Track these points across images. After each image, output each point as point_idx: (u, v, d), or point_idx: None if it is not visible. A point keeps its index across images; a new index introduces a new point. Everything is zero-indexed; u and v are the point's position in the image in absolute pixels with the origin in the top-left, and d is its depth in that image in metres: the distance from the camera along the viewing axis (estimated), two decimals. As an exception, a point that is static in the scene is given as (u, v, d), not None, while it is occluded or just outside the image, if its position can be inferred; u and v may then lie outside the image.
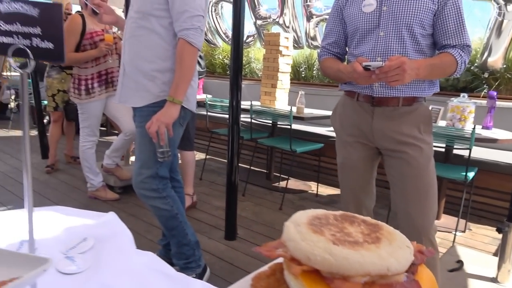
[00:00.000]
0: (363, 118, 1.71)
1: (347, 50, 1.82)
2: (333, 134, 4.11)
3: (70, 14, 4.10)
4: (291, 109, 3.34)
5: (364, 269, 0.31)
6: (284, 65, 4.00)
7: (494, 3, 3.65)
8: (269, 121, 4.03)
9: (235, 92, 2.64)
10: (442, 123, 3.18)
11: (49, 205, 1.15)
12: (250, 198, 3.71)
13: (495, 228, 3.13)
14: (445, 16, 1.56)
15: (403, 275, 0.33)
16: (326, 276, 0.31)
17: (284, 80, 4.02)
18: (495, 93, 3.10)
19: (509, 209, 1.99)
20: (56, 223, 1.01)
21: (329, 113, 3.82)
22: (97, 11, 2.12)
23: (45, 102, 4.37)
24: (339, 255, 0.31)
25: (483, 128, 3.11)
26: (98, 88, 3.27)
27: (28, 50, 0.65)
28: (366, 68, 1.46)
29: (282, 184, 4.11)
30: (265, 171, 4.40)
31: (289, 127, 3.44)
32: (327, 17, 4.79)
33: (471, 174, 2.80)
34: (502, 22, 3.64)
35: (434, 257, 1.70)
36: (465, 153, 2.91)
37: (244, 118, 3.44)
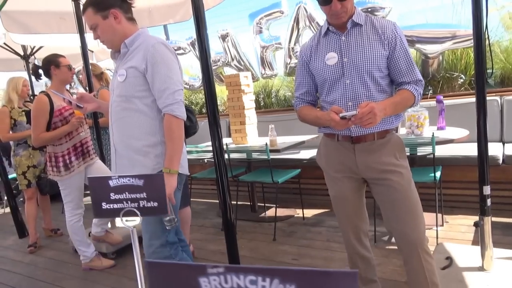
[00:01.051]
0: (346, 155, 1.94)
1: (319, 97, 2.04)
2: (307, 156, 4.36)
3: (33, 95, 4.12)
4: (266, 144, 3.54)
5: None
6: (248, 102, 4.21)
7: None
8: (244, 157, 4.21)
9: (216, 133, 2.76)
10: (402, 130, 3.50)
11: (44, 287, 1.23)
12: (242, 234, 3.83)
13: (468, 216, 3.49)
14: (396, 59, 1.83)
15: None
16: None
17: (251, 116, 4.23)
18: (441, 97, 3.48)
19: (480, 205, 2.28)
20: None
21: (301, 138, 4.07)
22: (81, 106, 2.23)
23: (13, 176, 4.29)
24: None
25: (438, 129, 3.47)
26: (76, 161, 3.30)
27: (136, 210, 0.78)
28: (342, 118, 1.70)
29: (268, 213, 4.27)
30: (249, 203, 4.55)
31: (265, 158, 3.63)
32: (275, 45, 5.15)
33: (438, 174, 3.12)
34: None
35: (431, 263, 1.93)
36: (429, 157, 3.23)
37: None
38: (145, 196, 0.77)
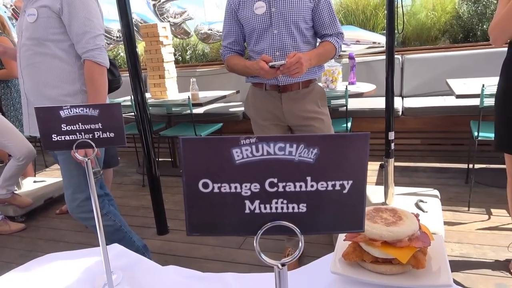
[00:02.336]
0: (273, 104, 2.03)
1: (247, 46, 2.08)
2: (229, 111, 4.42)
3: None
4: (189, 98, 3.50)
5: (406, 234, 0.61)
6: (167, 55, 4.07)
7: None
8: (164, 112, 4.11)
9: (138, 87, 2.67)
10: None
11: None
12: (165, 189, 3.79)
13: (373, 162, 3.92)
14: (320, 11, 1.93)
15: (418, 231, 0.64)
16: (391, 242, 0.61)
17: (170, 70, 4.10)
18: (353, 54, 3.75)
19: (385, 149, 2.59)
20: (67, 270, 1.09)
21: (222, 93, 4.09)
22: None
23: None
24: (393, 231, 0.60)
25: (349, 84, 3.76)
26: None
27: (90, 141, 0.74)
28: (271, 67, 1.78)
29: (191, 168, 4.30)
30: (170, 159, 4.51)
31: (187, 113, 3.61)
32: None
33: (349, 124, 3.42)
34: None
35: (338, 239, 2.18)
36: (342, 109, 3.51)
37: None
38: (101, 127, 0.75)
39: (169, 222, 3.10)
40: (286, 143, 0.36)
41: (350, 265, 0.65)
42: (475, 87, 2.91)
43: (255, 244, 0.38)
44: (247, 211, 0.40)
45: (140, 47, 5.16)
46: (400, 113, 3.88)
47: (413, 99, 4.10)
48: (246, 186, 0.39)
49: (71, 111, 0.72)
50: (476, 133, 2.85)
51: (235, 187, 0.39)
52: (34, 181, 3.87)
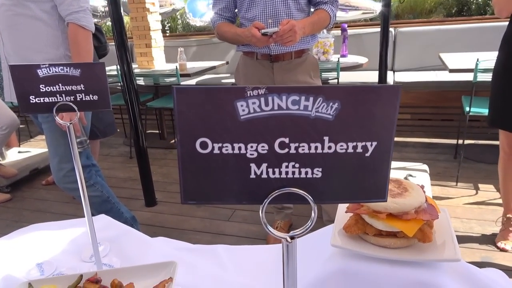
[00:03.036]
0: (264, 73, 1.96)
1: (238, 14, 1.99)
2: (217, 82, 4.32)
3: None
4: (176, 68, 3.40)
5: (412, 206, 0.57)
6: (154, 23, 3.91)
7: None
8: (151, 82, 4.00)
9: (124, 56, 2.57)
10: (310, 57, 3.64)
11: None
12: (153, 161, 3.75)
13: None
14: None
15: (425, 203, 0.60)
16: (396, 214, 0.57)
17: (157, 38, 3.96)
18: (346, 25, 3.65)
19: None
20: (53, 240, 1.05)
21: (211, 63, 3.98)
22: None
23: None
24: (400, 202, 0.57)
25: (341, 56, 3.68)
26: None
27: (72, 104, 0.68)
28: (264, 34, 1.70)
29: (179, 140, 4.24)
30: (157, 131, 4.43)
31: (175, 84, 3.50)
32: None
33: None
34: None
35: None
36: (332, 80, 3.45)
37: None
38: (83, 89, 0.68)
39: (157, 194, 3.06)
40: (301, 95, 0.30)
41: (351, 238, 0.62)
42: (469, 62, 2.86)
43: (261, 214, 0.33)
44: (252, 176, 0.35)
45: (126, 18, 4.96)
46: (392, 87, 3.84)
47: (404, 73, 4.06)
48: (252, 147, 0.34)
49: (50, 70, 0.65)
50: (467, 108, 2.83)
51: (239, 148, 0.34)
52: (19, 152, 3.77)
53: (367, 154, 0.34)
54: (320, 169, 0.34)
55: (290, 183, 0.35)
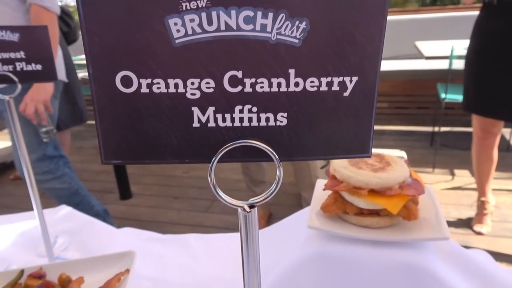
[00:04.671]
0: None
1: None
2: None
3: None
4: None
5: (396, 181, 0.52)
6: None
7: None
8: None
9: None
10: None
11: None
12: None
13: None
14: None
15: (409, 178, 0.55)
16: (378, 190, 0.51)
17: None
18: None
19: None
20: (5, 234, 0.95)
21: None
22: None
23: None
24: (382, 177, 0.51)
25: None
26: None
27: (11, 74, 0.59)
28: None
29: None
30: (132, 123, 4.29)
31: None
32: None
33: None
34: None
35: (315, 161, 2.12)
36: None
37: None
38: (24, 57, 0.60)
39: (132, 186, 2.96)
40: (257, 9, 0.22)
41: (330, 219, 0.56)
42: (444, 49, 2.87)
43: (209, 177, 0.26)
44: (195, 124, 0.27)
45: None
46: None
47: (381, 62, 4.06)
48: (193, 84, 0.25)
49: (-19, 35, 0.57)
50: (443, 95, 2.84)
51: (176, 85, 0.25)
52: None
53: (346, 94, 0.26)
54: (285, 114, 0.27)
55: (246, 133, 0.27)
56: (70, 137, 3.16)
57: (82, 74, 4.39)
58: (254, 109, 0.26)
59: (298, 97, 0.26)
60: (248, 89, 0.26)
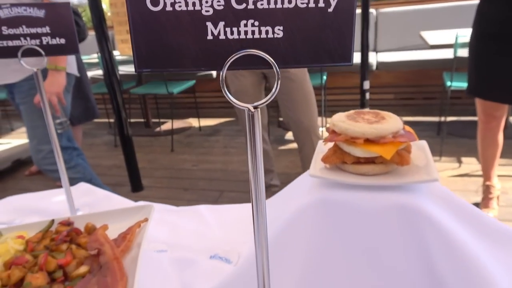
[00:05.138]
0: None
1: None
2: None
3: None
4: (158, 52, 3.34)
5: (390, 130, 0.56)
6: (134, 8, 3.84)
7: None
8: (133, 70, 3.95)
9: (105, 44, 2.53)
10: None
11: None
12: (139, 149, 3.70)
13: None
14: None
15: (402, 130, 0.60)
16: (373, 139, 0.56)
17: (138, 24, 3.89)
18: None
19: (360, 99, 2.56)
20: (29, 210, 1.02)
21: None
22: None
23: None
24: (377, 128, 0.56)
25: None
26: None
27: (38, 48, 0.65)
28: None
29: (163, 127, 4.19)
30: (143, 120, 4.37)
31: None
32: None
33: (324, 78, 3.37)
34: None
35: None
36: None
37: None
38: (49, 31, 0.66)
39: (143, 180, 3.03)
40: None
41: (330, 170, 0.61)
42: (449, 38, 2.89)
43: (221, 78, 0.32)
44: (209, 37, 0.33)
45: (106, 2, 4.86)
46: (374, 67, 3.85)
47: (387, 53, 4.08)
48: (207, 2, 0.31)
49: (11, 11, 0.62)
50: (449, 83, 2.86)
51: (193, 4, 0.31)
52: (0, 144, 3.69)
53: (330, 10, 0.32)
54: (281, 28, 0.33)
55: (250, 44, 0.33)
56: (82, 134, 3.25)
57: (91, 73, 4.49)
58: (256, 23, 0.32)
59: (291, 12, 0.32)
60: (251, 6, 0.32)
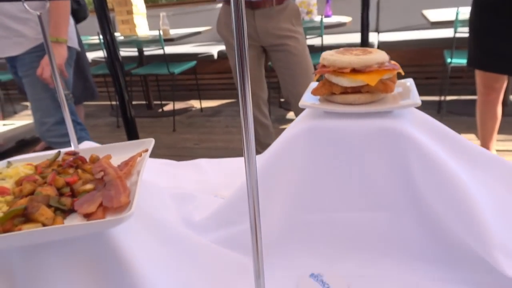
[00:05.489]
0: (246, 21, 1.96)
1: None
2: (203, 51, 4.29)
3: None
4: (160, 32, 3.36)
5: (375, 61, 0.60)
6: (135, -11, 3.84)
7: None
8: (134, 51, 3.96)
9: (106, 25, 2.54)
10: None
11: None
12: (141, 129, 3.72)
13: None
14: None
15: (387, 62, 0.63)
16: (360, 69, 0.59)
17: (138, 5, 3.89)
18: (329, -15, 3.63)
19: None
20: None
21: (194, 29, 3.95)
22: None
23: None
24: (364, 58, 0.59)
25: (325, 17, 3.67)
26: None
27: None
28: None
29: (165, 109, 4.23)
30: (144, 102, 4.41)
31: (157, 52, 3.47)
32: None
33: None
34: None
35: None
36: (316, 41, 3.45)
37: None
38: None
39: (146, 158, 3.07)
40: None
41: (319, 101, 0.65)
42: (450, 15, 2.89)
43: None
44: None
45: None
46: (376, 47, 3.85)
47: (389, 33, 4.07)
48: None
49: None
50: (449, 60, 2.87)
51: None
52: (4, 124, 3.73)
53: None
54: None
55: None
56: (84, 115, 3.28)
57: (93, 55, 4.51)
58: None
59: None
60: None
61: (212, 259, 0.60)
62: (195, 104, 4.28)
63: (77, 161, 0.60)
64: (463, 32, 2.69)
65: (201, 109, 4.13)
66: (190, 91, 4.56)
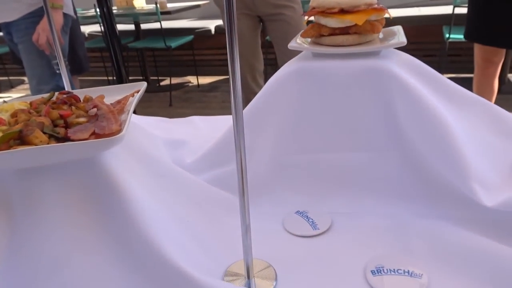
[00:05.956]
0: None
1: None
2: (200, 25, 4.25)
3: None
4: (156, 4, 3.33)
5: (364, 2, 0.61)
6: (131, -40, 3.78)
7: None
8: (131, 24, 3.93)
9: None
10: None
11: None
12: (137, 104, 3.76)
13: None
14: None
15: (376, 4, 0.64)
16: (348, 10, 0.60)
17: (135, -23, 3.85)
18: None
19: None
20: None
21: (192, 3, 3.90)
22: None
23: None
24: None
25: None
26: None
27: None
28: None
29: (162, 84, 4.22)
30: (141, 77, 4.39)
31: (154, 26, 3.44)
32: None
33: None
34: None
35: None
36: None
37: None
38: None
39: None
40: None
41: (308, 44, 0.66)
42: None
43: None
44: None
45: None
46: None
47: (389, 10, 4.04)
48: None
49: None
50: (447, 35, 2.86)
51: None
52: (0, 98, 3.73)
53: None
54: None
55: None
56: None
57: (89, 30, 4.46)
58: None
59: None
60: None
61: (205, 196, 0.62)
62: (192, 79, 4.27)
63: (71, 99, 0.62)
64: (463, 6, 2.68)
65: (198, 85, 4.13)
66: (187, 67, 4.54)
